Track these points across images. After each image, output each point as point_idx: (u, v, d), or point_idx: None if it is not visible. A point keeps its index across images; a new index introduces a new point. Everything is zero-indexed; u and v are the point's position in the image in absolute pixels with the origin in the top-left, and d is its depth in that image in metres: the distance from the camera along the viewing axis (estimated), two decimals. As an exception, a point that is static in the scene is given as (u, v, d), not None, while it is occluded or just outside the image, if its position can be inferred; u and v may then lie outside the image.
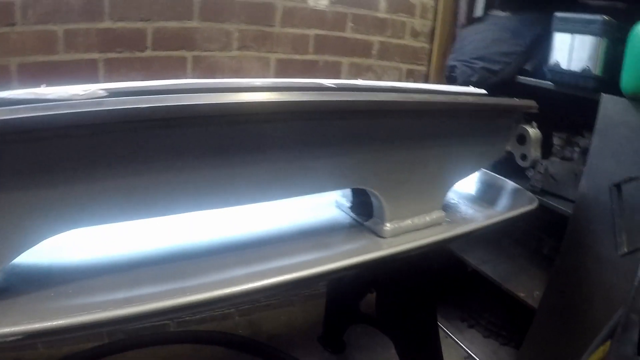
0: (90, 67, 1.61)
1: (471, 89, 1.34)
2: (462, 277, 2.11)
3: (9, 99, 0.67)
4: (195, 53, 1.75)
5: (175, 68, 1.73)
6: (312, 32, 1.96)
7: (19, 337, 0.68)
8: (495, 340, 1.98)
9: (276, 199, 1.03)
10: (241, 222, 1.10)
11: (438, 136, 1.13)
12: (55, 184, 0.72)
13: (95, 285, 0.82)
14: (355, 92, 0.99)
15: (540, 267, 1.88)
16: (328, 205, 1.27)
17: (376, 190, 1.07)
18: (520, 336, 1.75)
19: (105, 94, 0.72)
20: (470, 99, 1.20)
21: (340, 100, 0.91)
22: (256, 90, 0.93)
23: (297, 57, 1.99)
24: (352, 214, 1.20)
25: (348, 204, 1.23)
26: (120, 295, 0.80)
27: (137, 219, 0.83)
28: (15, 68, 1.54)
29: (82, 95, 0.71)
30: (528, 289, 1.74)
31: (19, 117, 0.63)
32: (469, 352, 1.90)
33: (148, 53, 1.67)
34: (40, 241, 0.75)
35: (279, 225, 1.13)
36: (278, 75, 1.95)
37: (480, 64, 1.89)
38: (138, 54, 1.66)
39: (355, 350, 1.75)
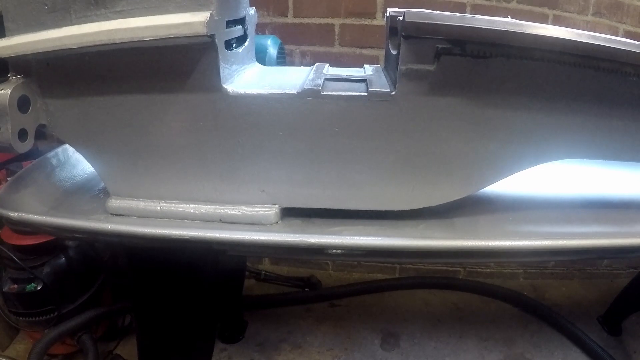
0: (458, 8, 1.76)
1: None
2: None
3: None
4: (556, 12, 1.78)
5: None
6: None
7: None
8: None
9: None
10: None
11: None
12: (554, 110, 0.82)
13: (540, 217, 0.96)
14: None
15: None
16: None
17: None
18: None
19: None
20: None
21: None
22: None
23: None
24: None
25: None
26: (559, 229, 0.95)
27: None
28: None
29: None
30: None
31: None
32: None
33: (513, 5, 1.75)
34: (523, 169, 0.89)
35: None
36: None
37: None
38: (504, 4, 1.75)
39: (630, 337, 1.74)
